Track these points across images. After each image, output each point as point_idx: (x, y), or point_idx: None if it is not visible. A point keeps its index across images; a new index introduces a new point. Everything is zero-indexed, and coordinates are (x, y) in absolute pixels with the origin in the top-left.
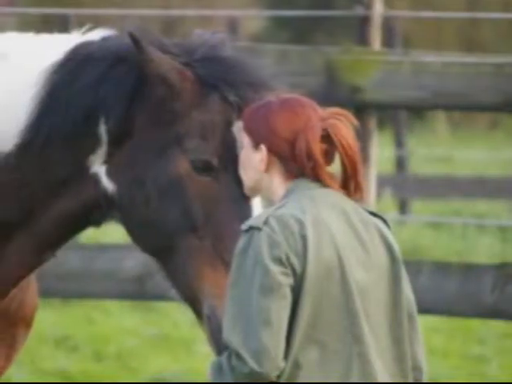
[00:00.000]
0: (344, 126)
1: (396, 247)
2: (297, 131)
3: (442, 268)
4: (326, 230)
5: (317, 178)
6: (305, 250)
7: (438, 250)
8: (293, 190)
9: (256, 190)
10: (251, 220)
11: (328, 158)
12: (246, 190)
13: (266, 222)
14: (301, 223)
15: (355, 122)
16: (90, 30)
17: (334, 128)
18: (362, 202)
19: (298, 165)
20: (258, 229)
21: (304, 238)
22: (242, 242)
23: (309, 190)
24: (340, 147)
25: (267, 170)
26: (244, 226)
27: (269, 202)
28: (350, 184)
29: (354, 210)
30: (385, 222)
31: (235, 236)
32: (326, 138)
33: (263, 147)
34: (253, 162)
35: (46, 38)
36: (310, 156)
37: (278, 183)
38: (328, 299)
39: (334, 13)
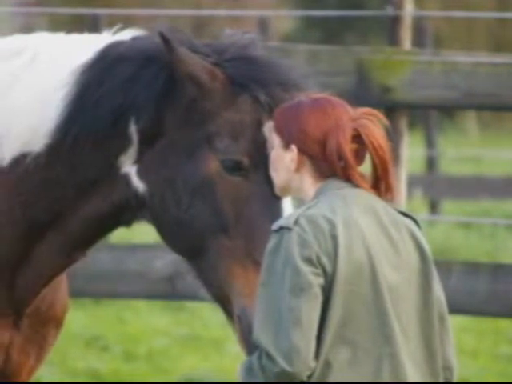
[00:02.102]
0: (375, 126)
1: (427, 247)
2: (327, 131)
3: (472, 268)
4: (356, 230)
5: (347, 178)
6: (335, 250)
7: (468, 250)
8: (323, 190)
9: (286, 190)
10: (281, 220)
11: (359, 158)
12: (277, 190)
13: (296, 222)
14: (331, 223)
15: (386, 122)
16: (121, 30)
17: (365, 128)
18: (392, 202)
19: (329, 165)
20: (289, 229)
21: (334, 238)
22: (272, 242)
23: (339, 190)
24: (371, 147)
25: (298, 170)
26: (274, 226)
27: (299, 201)
28: (380, 184)
29: (384, 210)
30: (416, 222)
31: (266, 236)
32: (357, 138)
33: (294, 147)
34: (283, 162)
35: (76, 37)
36: (340, 156)
37: (308, 183)
38: (358, 299)
39: (365, 13)
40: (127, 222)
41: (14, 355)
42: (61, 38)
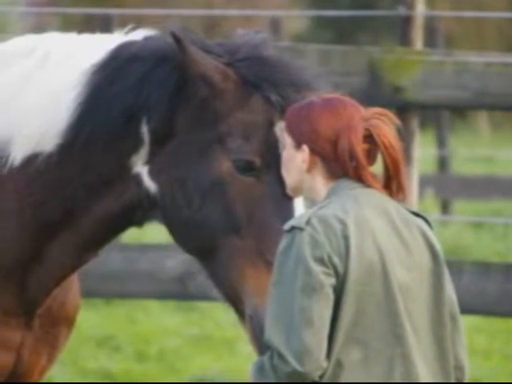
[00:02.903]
0: (386, 126)
1: (438, 247)
2: (339, 131)
3: (484, 268)
4: (368, 230)
5: (359, 178)
6: (347, 250)
7: (479, 250)
8: (335, 190)
9: (298, 191)
10: (293, 220)
11: (370, 158)
12: (289, 191)
13: (308, 222)
14: (343, 223)
15: (397, 121)
16: (133, 30)
17: (377, 128)
18: (404, 202)
19: (341, 165)
20: (300, 229)
21: (346, 238)
22: (284, 242)
23: (351, 190)
24: (382, 147)
25: (309, 170)
26: (286, 226)
27: (311, 201)
28: (392, 184)
29: (396, 209)
30: (427, 221)
31: (277, 236)
32: (369, 138)
33: (305, 147)
34: (295, 162)
35: (88, 37)
36: (352, 156)
37: (320, 183)
38: (370, 299)
39: (377, 13)
40: (138, 222)
41: (25, 355)
42: (72, 37)
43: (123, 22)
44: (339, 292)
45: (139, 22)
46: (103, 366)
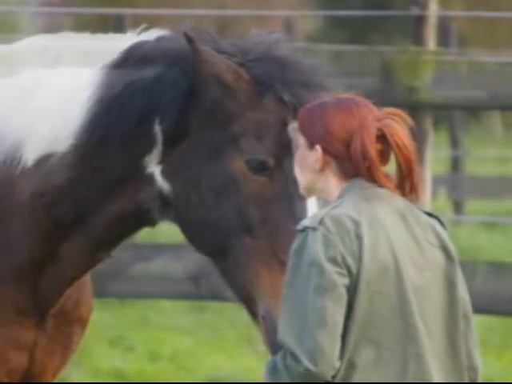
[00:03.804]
0: (399, 126)
1: (451, 247)
2: (352, 131)
3: (497, 268)
4: (381, 230)
5: (372, 178)
6: (360, 251)
7: (492, 250)
8: (348, 190)
9: (311, 190)
10: (306, 220)
11: (383, 158)
12: (302, 190)
13: (321, 222)
14: (356, 223)
15: (410, 121)
16: (146, 29)
17: (390, 128)
18: (417, 201)
19: (354, 165)
20: (314, 229)
21: (359, 238)
22: (297, 241)
23: (364, 190)
24: (395, 147)
25: (322, 170)
26: (299, 226)
27: (324, 201)
28: (405, 184)
29: (409, 210)
30: (440, 222)
31: (291, 236)
32: (382, 138)
33: (318, 147)
34: (308, 162)
35: (100, 38)
36: (365, 156)
37: (333, 183)
38: (383, 299)
39: (390, 13)
40: (151, 223)
41: (38, 355)
42: (85, 37)
43: (136, 22)
44: (352, 292)
45: (152, 22)
46: (116, 366)
